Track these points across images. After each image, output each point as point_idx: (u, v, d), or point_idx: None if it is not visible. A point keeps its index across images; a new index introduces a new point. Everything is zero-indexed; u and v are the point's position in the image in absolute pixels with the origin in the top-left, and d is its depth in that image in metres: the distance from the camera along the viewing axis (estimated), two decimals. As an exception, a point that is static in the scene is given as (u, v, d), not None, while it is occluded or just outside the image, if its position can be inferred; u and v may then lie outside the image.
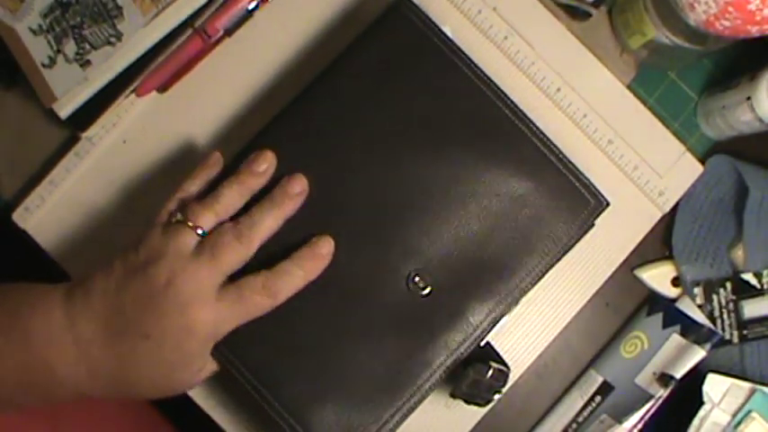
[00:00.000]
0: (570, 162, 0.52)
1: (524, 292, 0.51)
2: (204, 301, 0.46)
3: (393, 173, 0.51)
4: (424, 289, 0.50)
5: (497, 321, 0.51)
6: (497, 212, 0.51)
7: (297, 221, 0.49)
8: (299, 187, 0.50)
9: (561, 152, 0.52)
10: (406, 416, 0.49)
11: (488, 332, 0.51)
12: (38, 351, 0.46)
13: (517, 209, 0.51)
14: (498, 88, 0.51)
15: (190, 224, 0.47)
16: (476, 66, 0.52)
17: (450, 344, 0.50)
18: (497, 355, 0.53)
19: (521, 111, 0.51)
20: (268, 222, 0.48)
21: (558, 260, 0.51)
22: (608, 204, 0.52)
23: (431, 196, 0.51)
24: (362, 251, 0.50)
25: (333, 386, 0.49)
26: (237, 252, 0.47)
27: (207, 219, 0.48)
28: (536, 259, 0.51)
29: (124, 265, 0.47)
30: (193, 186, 0.50)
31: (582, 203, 0.51)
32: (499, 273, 0.51)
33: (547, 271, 0.51)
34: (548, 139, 0.52)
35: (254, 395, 0.48)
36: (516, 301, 0.51)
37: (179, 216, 0.48)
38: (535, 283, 0.51)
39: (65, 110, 0.55)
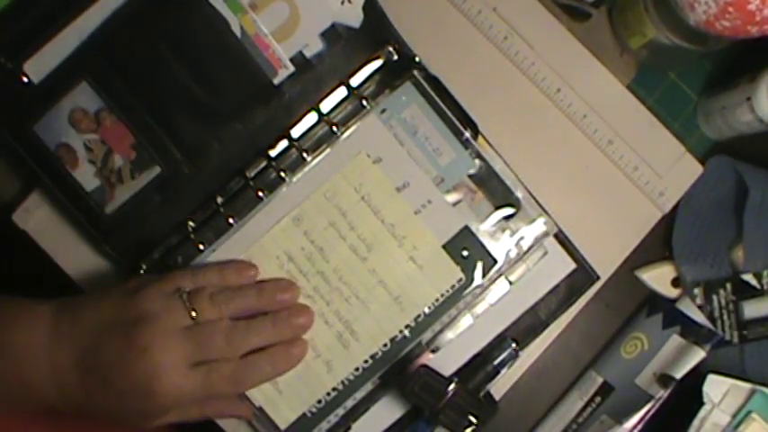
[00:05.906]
0: None
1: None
2: (172, 375, 0.46)
3: None
4: None
5: None
6: None
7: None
8: (303, 319, 0.51)
9: None
10: None
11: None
12: (16, 365, 0.47)
13: None
14: None
15: (190, 309, 0.48)
16: None
17: None
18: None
19: None
20: (259, 340, 0.49)
21: None
22: None
23: None
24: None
25: None
26: (222, 351, 0.48)
27: (209, 314, 0.48)
28: None
29: (114, 311, 0.48)
30: (216, 280, 0.50)
31: None
32: None
33: None
34: None
35: None
36: None
37: (185, 297, 0.48)
38: None
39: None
